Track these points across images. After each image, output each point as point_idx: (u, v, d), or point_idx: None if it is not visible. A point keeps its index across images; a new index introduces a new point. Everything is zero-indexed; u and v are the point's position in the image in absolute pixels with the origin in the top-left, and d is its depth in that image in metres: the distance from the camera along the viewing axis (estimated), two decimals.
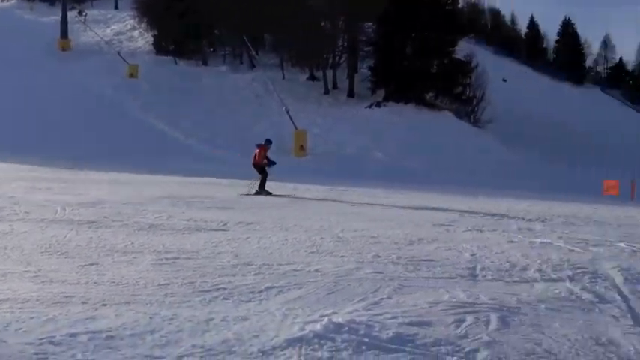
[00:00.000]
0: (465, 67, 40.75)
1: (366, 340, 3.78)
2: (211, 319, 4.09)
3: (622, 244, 8.44)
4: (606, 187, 21.45)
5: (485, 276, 6.00)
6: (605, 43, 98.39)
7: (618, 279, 6.12)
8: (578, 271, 6.38)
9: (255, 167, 15.50)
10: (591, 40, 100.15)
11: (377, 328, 4.02)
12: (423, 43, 38.80)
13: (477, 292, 5.26)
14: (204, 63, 47.46)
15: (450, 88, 40.21)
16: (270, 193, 14.85)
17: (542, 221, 10.89)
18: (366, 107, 38.10)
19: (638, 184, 21.71)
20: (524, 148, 37.35)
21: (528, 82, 73.85)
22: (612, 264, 6.81)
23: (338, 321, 4.07)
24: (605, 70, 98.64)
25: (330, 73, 42.80)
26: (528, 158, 34.03)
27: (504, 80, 63.41)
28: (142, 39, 51.86)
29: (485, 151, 31.54)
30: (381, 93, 40.11)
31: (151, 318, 4.05)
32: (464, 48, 43.52)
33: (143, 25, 52.47)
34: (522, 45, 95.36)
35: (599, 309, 5.03)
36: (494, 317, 4.50)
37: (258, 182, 15.14)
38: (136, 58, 44.98)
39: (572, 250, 7.72)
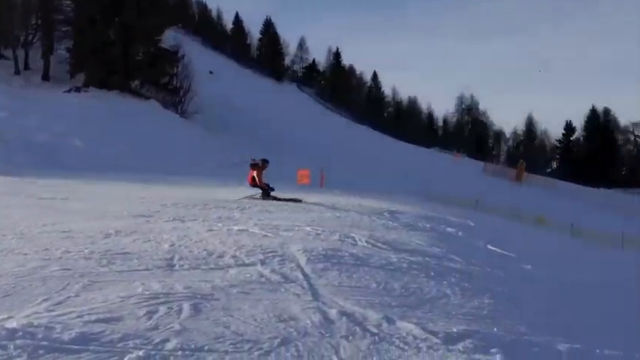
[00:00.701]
0: (172, 57, 40.58)
1: (45, 343, 3.46)
2: None
3: (308, 229, 9.33)
4: (300, 176, 23.44)
5: (182, 266, 6.01)
6: (301, 45, 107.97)
7: (302, 260, 6.72)
8: (269, 254, 6.84)
9: (253, 187, 14.27)
10: (289, 40, 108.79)
11: (58, 330, 3.71)
12: (128, 29, 37.42)
13: (173, 282, 5.25)
14: None
15: (156, 77, 39.61)
16: (277, 198, 13.80)
17: (241, 209, 11.40)
18: (65, 92, 35.33)
19: (326, 173, 24.30)
20: (229, 138, 38.85)
21: (234, 75, 77.07)
22: (298, 246, 7.46)
23: (12, 326, 3.64)
24: (301, 70, 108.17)
25: (21, 52, 38.49)
26: (233, 148, 35.44)
27: (211, 73, 65.10)
28: None
29: (191, 141, 31.91)
30: (81, 77, 37.56)
31: None
32: (171, 38, 43.28)
33: None
34: (228, 40, 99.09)
35: (284, 288, 5.45)
36: (187, 306, 4.53)
37: (260, 192, 14.12)
38: None
39: (266, 236, 8.26)
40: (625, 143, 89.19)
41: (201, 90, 41.42)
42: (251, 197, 14.10)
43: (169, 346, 3.69)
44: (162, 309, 4.41)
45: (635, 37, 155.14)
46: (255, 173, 14.39)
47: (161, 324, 4.08)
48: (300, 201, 13.91)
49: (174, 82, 40.89)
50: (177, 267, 5.95)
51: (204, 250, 6.83)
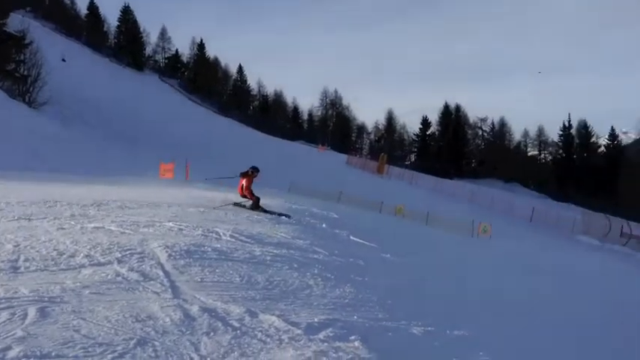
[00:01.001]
0: (18, 42, 37.42)
1: None
2: None
3: (170, 224, 9.02)
4: (163, 170, 22.66)
5: (28, 267, 5.56)
6: (163, 34, 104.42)
7: (163, 257, 6.49)
8: (127, 252, 6.52)
9: (243, 197, 13.45)
10: (150, 29, 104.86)
11: None
12: None
13: (17, 285, 4.84)
14: None
15: (0, 64, 36.32)
16: (265, 211, 12.87)
17: (98, 206, 10.74)
18: None
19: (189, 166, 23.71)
20: (85, 130, 36.72)
21: (89, 64, 72.93)
22: (159, 243, 7.19)
23: None
24: (164, 60, 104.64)
25: None
26: (89, 141, 33.53)
27: (64, 60, 61.09)
28: None
29: (41, 133, 29.63)
30: None
31: None
32: (17, 21, 40.03)
33: None
34: (83, 26, 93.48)
35: (143, 287, 5.23)
36: (32, 310, 4.20)
37: (250, 202, 13.27)
38: None
39: (124, 233, 7.87)
40: (474, 137, 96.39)
41: (52, 79, 38.61)
42: (237, 204, 13.29)
43: (11, 354, 3.40)
44: (4, 315, 4.06)
45: (483, 37, 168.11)
46: (244, 182, 13.53)
47: (2, 331, 3.75)
48: (289, 216, 12.83)
49: (22, 70, 37.74)
50: (22, 269, 5.49)
51: (54, 249, 6.36)
